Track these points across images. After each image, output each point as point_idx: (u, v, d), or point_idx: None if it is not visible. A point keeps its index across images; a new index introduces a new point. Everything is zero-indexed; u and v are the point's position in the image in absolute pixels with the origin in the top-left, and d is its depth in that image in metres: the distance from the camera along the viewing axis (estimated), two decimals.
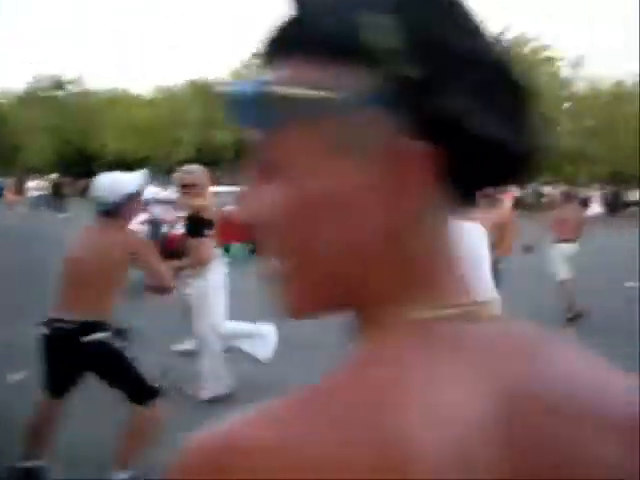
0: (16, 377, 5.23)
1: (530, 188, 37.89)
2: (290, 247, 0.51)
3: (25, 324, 4.35)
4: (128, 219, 3.68)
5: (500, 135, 0.49)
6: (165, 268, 3.69)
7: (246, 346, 5.48)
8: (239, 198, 0.54)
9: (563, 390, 0.48)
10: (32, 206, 30.67)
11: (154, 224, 12.52)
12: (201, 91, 43.44)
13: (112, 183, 3.58)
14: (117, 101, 47.90)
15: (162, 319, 7.08)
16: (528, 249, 8.99)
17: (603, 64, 64.12)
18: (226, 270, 5.51)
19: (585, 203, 34.41)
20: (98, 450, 3.82)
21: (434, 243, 0.52)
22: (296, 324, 0.71)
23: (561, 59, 37.53)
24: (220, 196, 14.51)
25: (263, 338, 5.45)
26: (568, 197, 9.87)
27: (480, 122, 0.48)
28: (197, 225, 5.08)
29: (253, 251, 14.58)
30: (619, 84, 38.06)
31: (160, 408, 3.61)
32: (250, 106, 0.50)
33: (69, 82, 51.75)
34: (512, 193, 19.24)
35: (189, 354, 5.82)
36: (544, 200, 33.04)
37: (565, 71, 38.03)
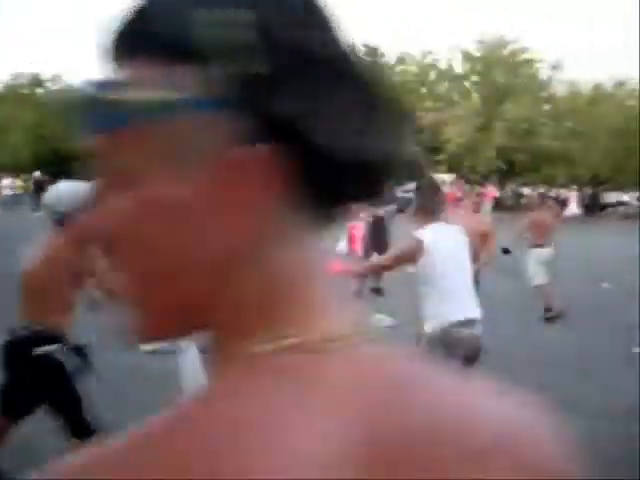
0: None
1: (509, 189, 38.20)
2: (131, 263, 0.46)
3: None
4: None
5: (346, 143, 0.45)
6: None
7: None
8: (82, 210, 0.49)
9: (423, 420, 0.44)
10: (5, 205, 30.27)
11: None
12: None
13: (65, 192, 3.43)
14: None
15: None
16: (506, 251, 9.06)
17: (589, 65, 64.77)
18: None
19: (563, 204, 34.93)
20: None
21: (283, 266, 0.47)
22: None
23: (540, 61, 37.82)
24: None
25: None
26: (544, 199, 9.92)
27: (321, 127, 0.44)
28: None
29: None
30: (598, 87, 38.46)
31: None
32: (88, 110, 0.46)
33: (48, 80, 51.35)
34: (493, 194, 19.34)
35: (157, 352, 5.78)
36: (523, 201, 33.28)
37: (544, 73, 38.36)
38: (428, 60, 40.31)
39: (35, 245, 3.61)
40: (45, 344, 3.39)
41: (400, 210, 12.11)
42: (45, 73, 51.57)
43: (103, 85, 0.46)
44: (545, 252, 9.04)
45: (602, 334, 7.73)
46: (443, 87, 40.93)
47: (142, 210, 0.45)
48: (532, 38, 70.32)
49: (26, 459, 3.58)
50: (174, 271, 0.46)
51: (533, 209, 9.78)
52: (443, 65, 40.21)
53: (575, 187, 37.02)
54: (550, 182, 37.12)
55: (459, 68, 39.91)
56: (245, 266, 0.46)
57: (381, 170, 0.48)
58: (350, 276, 4.60)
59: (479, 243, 6.53)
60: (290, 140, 0.44)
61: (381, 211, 10.63)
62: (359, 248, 10.96)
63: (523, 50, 37.79)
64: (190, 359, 5.05)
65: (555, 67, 37.76)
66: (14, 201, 30.82)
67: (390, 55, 41.07)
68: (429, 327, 3.80)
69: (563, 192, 36.77)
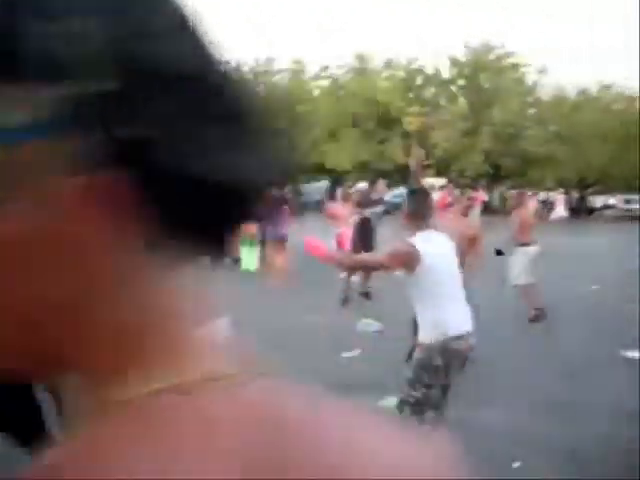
0: None
1: (496, 193, 38.34)
2: None
3: None
4: None
5: (201, 165, 0.40)
6: None
7: None
8: None
9: (302, 459, 0.40)
10: None
11: None
12: None
13: None
14: None
15: None
16: (499, 252, 9.11)
17: (575, 68, 65.06)
18: None
19: (551, 207, 35.12)
20: None
21: (145, 304, 0.43)
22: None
23: (526, 65, 38.06)
24: None
25: None
26: (520, 199, 9.84)
27: (174, 149, 0.39)
28: None
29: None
30: (583, 91, 38.73)
31: None
32: None
33: None
34: (481, 198, 19.40)
35: None
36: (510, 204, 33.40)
37: (530, 78, 38.60)
38: (415, 65, 40.47)
39: None
40: None
41: (387, 212, 12.13)
42: None
43: None
44: (531, 250, 9.05)
45: (590, 336, 7.73)
46: (430, 92, 41.09)
47: None
48: (519, 40, 70.42)
49: None
50: (23, 313, 0.40)
51: (513, 209, 9.72)
52: (430, 70, 40.39)
53: (562, 190, 37.21)
54: (537, 185, 37.29)
55: (446, 73, 40.11)
56: (96, 307, 0.41)
57: (247, 190, 0.43)
58: (334, 264, 4.48)
59: (467, 246, 6.54)
60: (138, 165, 0.38)
61: (368, 212, 10.63)
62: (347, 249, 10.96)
63: (509, 55, 38.02)
64: None
65: (541, 71, 38.01)
66: None
67: (377, 60, 41.24)
68: (427, 337, 3.75)
69: (552, 195, 36.96)
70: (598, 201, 38.11)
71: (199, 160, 0.40)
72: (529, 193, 29.99)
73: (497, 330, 7.47)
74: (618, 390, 5.52)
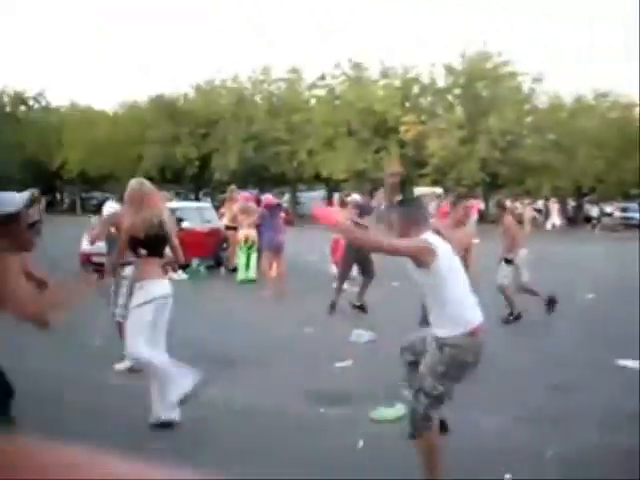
0: None
1: (492, 201, 38.26)
2: None
3: None
4: (15, 241, 3.35)
5: None
6: (44, 297, 3.44)
7: (154, 390, 4.84)
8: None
9: None
10: None
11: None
12: (164, 107, 43.18)
13: None
14: (80, 117, 47.28)
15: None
16: (552, 301, 9.29)
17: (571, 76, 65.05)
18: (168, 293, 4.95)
19: (547, 215, 35.11)
20: None
21: None
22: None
23: (522, 74, 38.08)
24: (181, 212, 14.41)
25: (174, 384, 4.67)
26: (502, 208, 9.76)
27: None
28: (131, 244, 4.91)
29: (210, 267, 14.41)
30: (579, 99, 38.76)
31: None
32: None
33: (31, 98, 51.14)
34: (478, 206, 19.33)
35: (134, 371, 5.69)
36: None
37: (527, 86, 38.60)
38: (411, 74, 40.50)
39: None
40: None
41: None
42: (28, 91, 51.29)
43: None
44: (522, 253, 9.10)
45: (586, 344, 7.70)
46: (426, 101, 41.12)
47: None
48: (519, 41, 70.33)
49: None
50: None
51: (499, 219, 9.61)
52: (426, 79, 40.42)
53: (556, 199, 37.17)
54: (534, 194, 37.27)
55: (442, 82, 40.14)
56: None
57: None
58: (344, 234, 4.27)
59: (464, 255, 6.50)
60: None
61: (365, 221, 10.57)
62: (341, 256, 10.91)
63: (505, 63, 38.08)
64: (155, 379, 4.87)
65: (537, 79, 38.05)
66: None
67: (373, 69, 41.30)
68: (449, 332, 3.68)
69: (549, 203, 36.94)
70: (594, 209, 38.11)
71: None
72: (526, 201, 30.23)
73: (490, 337, 7.41)
74: (613, 399, 5.48)
